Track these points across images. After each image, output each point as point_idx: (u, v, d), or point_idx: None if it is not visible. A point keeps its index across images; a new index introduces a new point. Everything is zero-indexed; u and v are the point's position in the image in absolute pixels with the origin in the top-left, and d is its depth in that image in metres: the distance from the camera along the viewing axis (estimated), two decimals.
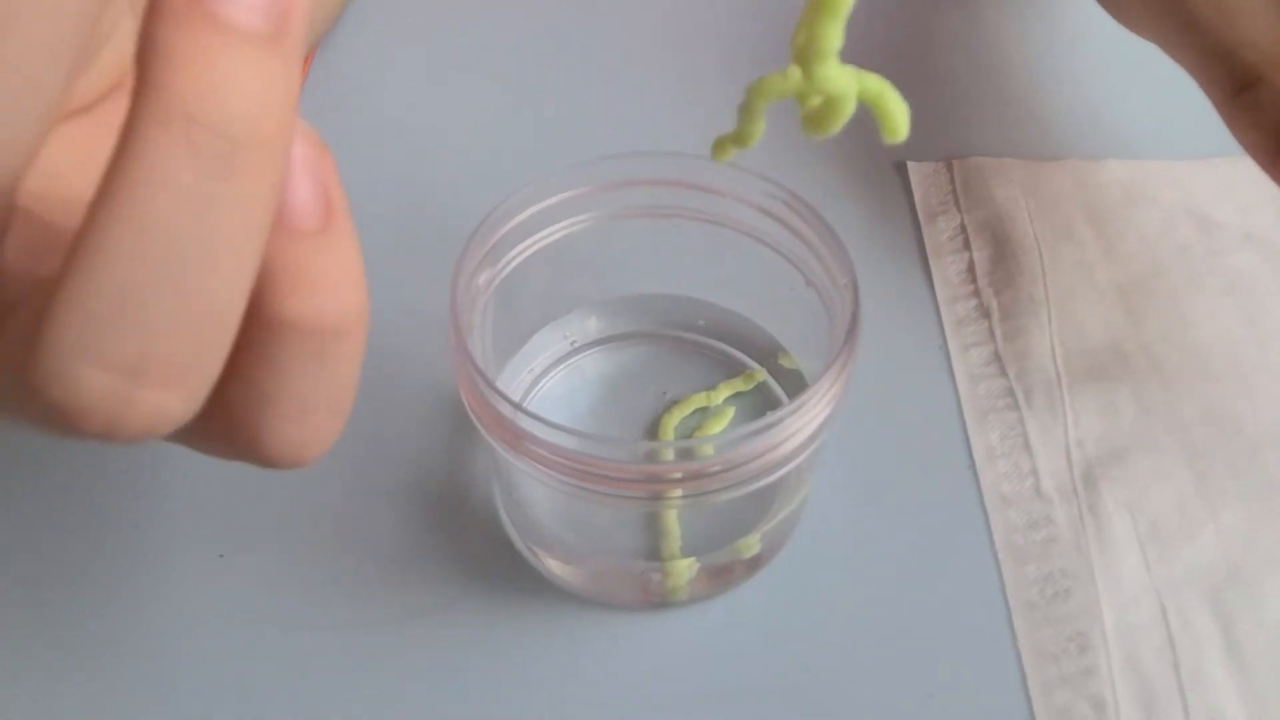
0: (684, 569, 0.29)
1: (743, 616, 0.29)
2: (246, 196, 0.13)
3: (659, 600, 0.29)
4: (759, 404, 0.32)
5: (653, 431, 0.31)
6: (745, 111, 0.23)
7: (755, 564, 0.30)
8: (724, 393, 0.32)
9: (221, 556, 0.30)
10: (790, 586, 0.30)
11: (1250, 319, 0.35)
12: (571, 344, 0.33)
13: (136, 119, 0.12)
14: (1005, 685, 0.27)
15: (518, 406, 0.24)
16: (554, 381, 0.32)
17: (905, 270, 0.38)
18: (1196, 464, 0.31)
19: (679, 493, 0.25)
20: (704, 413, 0.32)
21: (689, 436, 0.31)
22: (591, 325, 0.33)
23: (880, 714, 0.27)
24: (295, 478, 0.31)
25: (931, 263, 0.38)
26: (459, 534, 0.30)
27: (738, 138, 0.24)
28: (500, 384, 0.30)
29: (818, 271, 0.27)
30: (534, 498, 0.29)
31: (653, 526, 0.29)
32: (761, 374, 0.32)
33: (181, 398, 0.14)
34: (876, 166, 0.42)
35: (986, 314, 0.36)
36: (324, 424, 0.16)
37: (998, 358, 0.34)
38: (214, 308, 0.13)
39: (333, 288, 0.14)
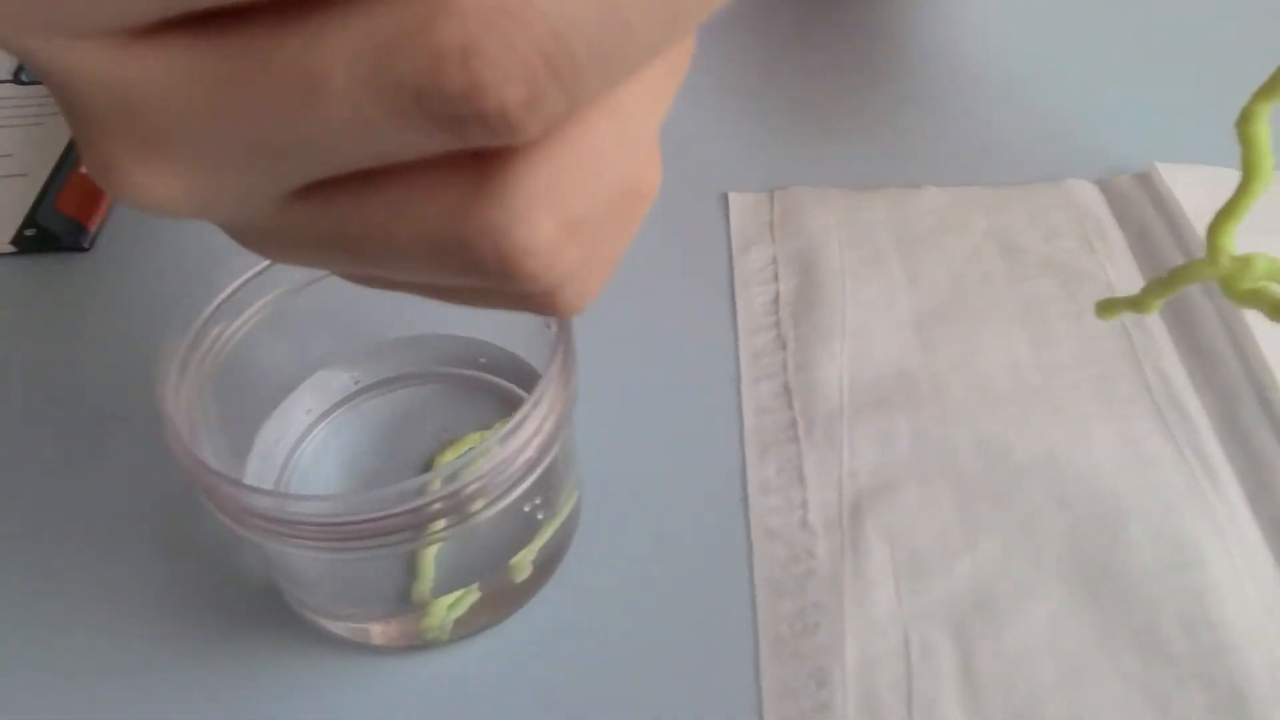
0: (442, 608, 0.29)
1: (500, 655, 0.29)
2: (667, 99, 0.15)
3: (422, 641, 0.30)
4: None
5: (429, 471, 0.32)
6: (1160, 287, 0.26)
7: (521, 595, 0.30)
8: (500, 430, 0.32)
9: None
10: (551, 622, 0.30)
11: (1037, 346, 0.35)
12: (355, 382, 0.33)
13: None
14: None
15: (272, 493, 0.25)
16: (333, 426, 0.33)
17: (713, 302, 0.38)
18: (962, 494, 0.31)
19: (442, 524, 0.25)
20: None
21: None
22: (374, 367, 0.33)
23: None
24: (38, 528, 0.32)
25: (738, 294, 0.38)
26: (216, 579, 0.31)
27: (1138, 305, 0.27)
28: (263, 443, 0.30)
29: None
30: (295, 565, 0.29)
31: (411, 568, 0.29)
32: None
33: (579, 259, 0.15)
34: (702, 196, 0.43)
35: (784, 345, 0.36)
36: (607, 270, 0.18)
37: (787, 390, 0.35)
38: (628, 180, 0.16)
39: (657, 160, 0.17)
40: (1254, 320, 0.35)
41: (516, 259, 0.14)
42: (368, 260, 0.15)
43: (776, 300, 0.38)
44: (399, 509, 0.24)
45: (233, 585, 0.31)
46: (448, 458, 0.32)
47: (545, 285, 0.15)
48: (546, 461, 0.26)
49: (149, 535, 0.32)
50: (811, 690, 0.28)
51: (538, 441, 0.26)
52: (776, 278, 0.38)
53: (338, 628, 0.29)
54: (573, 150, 0.14)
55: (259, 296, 0.29)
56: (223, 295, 0.28)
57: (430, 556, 0.29)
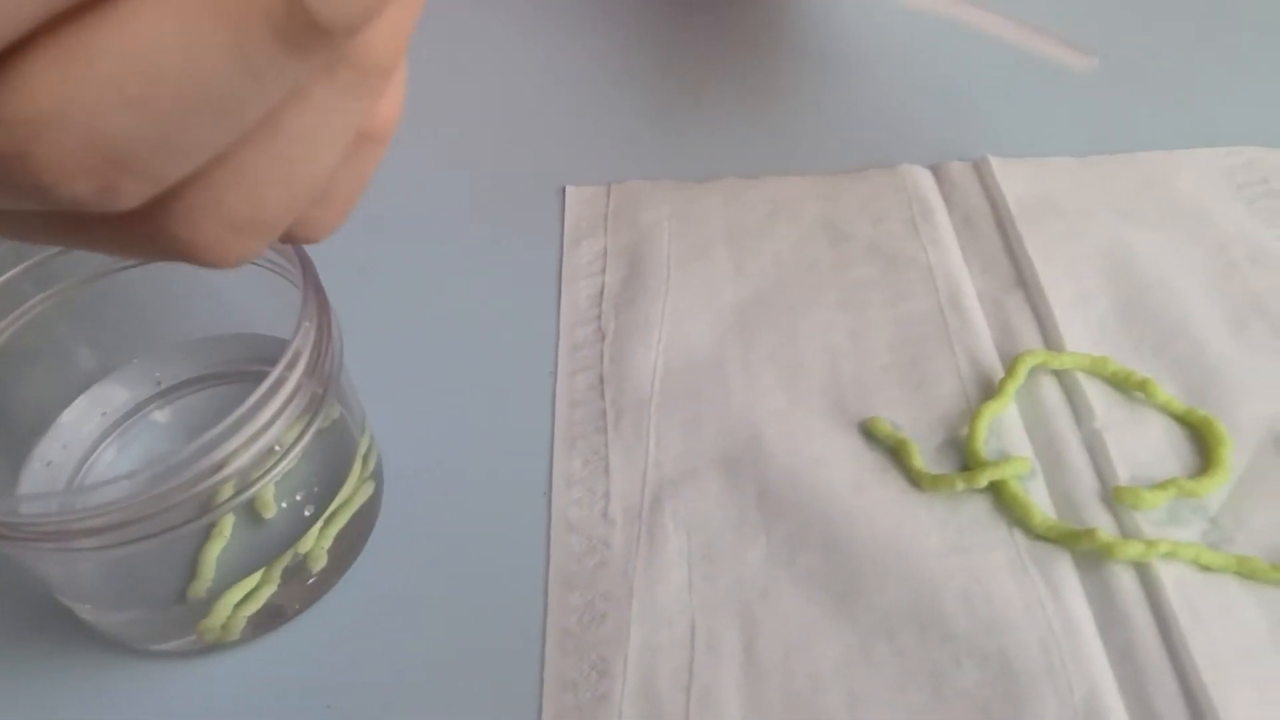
0: (228, 605, 0.28)
1: (285, 655, 0.29)
2: (359, 110, 0.16)
3: (208, 643, 0.29)
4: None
5: None
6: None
7: (318, 589, 0.29)
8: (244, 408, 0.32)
9: None
10: (346, 617, 0.29)
11: (854, 331, 0.35)
12: (158, 384, 0.32)
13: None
14: (521, 717, 0.27)
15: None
16: (134, 431, 0.32)
17: (539, 295, 0.38)
18: (762, 480, 0.31)
19: (201, 507, 0.25)
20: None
21: None
22: (176, 368, 0.32)
23: None
24: None
25: (564, 287, 0.38)
26: None
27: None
28: (41, 452, 0.30)
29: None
30: (73, 570, 0.29)
31: (190, 566, 0.29)
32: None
33: (266, 242, 0.16)
34: (543, 190, 0.42)
35: (602, 337, 0.36)
36: (342, 212, 0.18)
37: (601, 381, 0.34)
38: (310, 185, 0.16)
39: (394, 102, 0.18)
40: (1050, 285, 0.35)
41: (190, 250, 0.16)
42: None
43: (601, 293, 0.37)
44: (166, 488, 0.24)
45: (6, 589, 0.30)
46: None
47: (229, 263, 0.16)
48: (312, 432, 0.26)
49: None
50: (592, 681, 0.27)
51: (293, 411, 0.25)
52: (604, 270, 0.38)
53: (119, 635, 0.29)
54: (233, 174, 0.15)
55: (31, 294, 0.29)
56: None
57: (214, 550, 0.29)
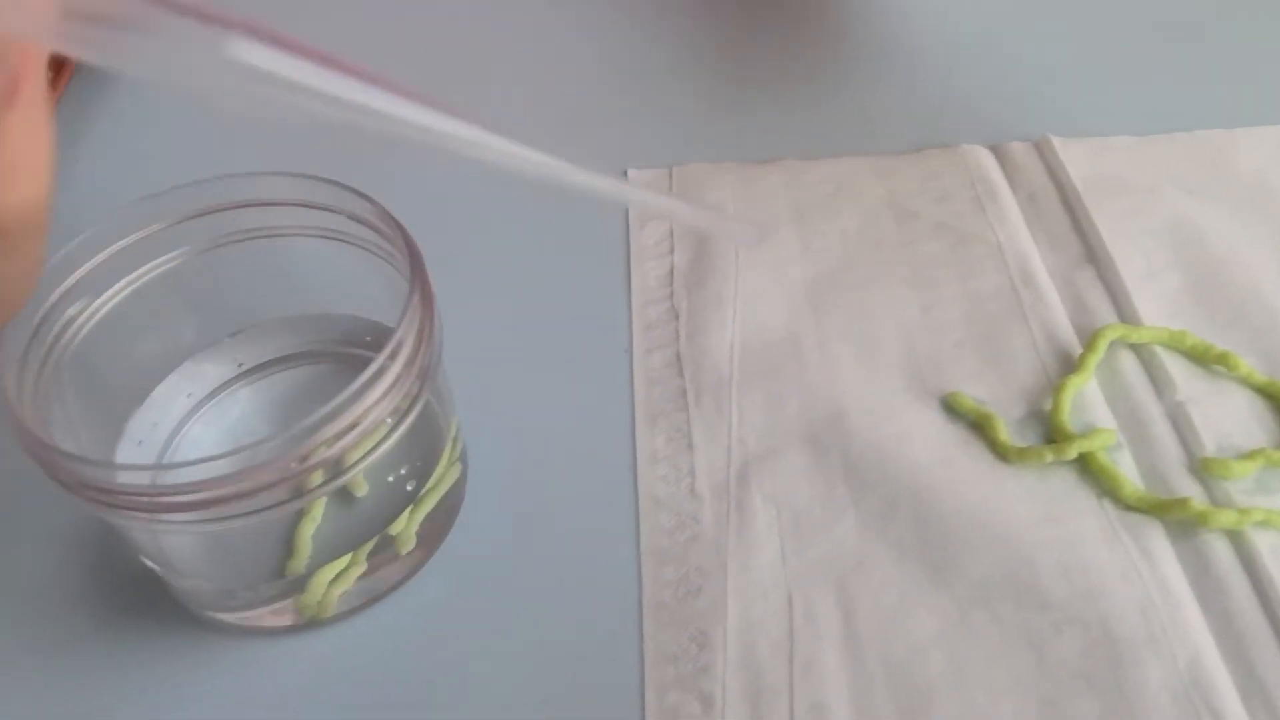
0: (322, 583, 0.28)
1: (381, 631, 0.29)
2: None
3: (303, 620, 0.29)
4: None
5: None
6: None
7: (406, 568, 0.29)
8: (353, 387, 0.32)
9: None
10: (438, 595, 0.29)
11: (927, 307, 0.35)
12: (239, 365, 0.32)
13: None
14: (624, 689, 0.27)
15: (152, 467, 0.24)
16: (217, 409, 0.32)
17: (609, 277, 0.38)
18: (847, 454, 0.31)
19: (306, 486, 0.25)
20: None
21: None
22: (256, 349, 0.32)
23: None
24: None
25: (634, 268, 0.38)
26: (93, 561, 0.30)
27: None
28: (136, 429, 0.30)
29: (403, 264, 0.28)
30: (169, 543, 0.29)
31: (287, 543, 0.29)
32: None
33: None
34: (603, 173, 0.42)
35: (676, 316, 0.36)
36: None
37: (678, 359, 0.35)
38: None
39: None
40: (1127, 274, 0.36)
41: None
42: None
43: (671, 273, 0.37)
44: (260, 470, 0.24)
45: (106, 572, 0.30)
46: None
47: None
48: (409, 422, 0.26)
49: (15, 527, 0.31)
50: (692, 654, 0.27)
51: (391, 402, 0.25)
52: (672, 251, 0.38)
53: (216, 611, 0.29)
54: None
55: (120, 275, 0.28)
56: (78, 274, 0.27)
57: (307, 530, 0.29)
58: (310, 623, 0.29)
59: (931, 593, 0.28)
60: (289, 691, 0.28)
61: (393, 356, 0.25)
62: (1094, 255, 0.37)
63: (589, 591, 0.29)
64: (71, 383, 0.27)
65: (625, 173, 0.42)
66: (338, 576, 0.29)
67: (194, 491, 0.23)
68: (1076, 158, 0.40)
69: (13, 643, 0.29)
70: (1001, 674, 0.26)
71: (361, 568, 0.29)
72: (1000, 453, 0.31)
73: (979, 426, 0.32)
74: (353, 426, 0.25)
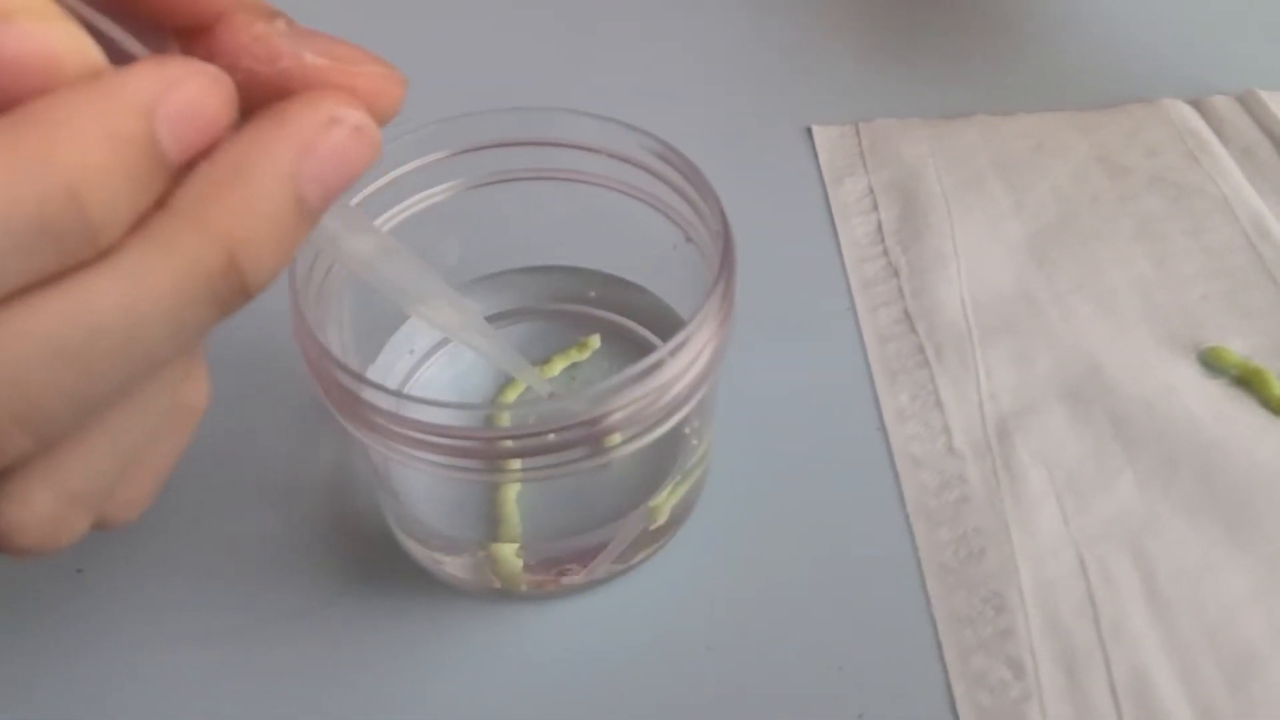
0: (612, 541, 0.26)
1: (641, 597, 0.27)
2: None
3: (549, 590, 0.27)
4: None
5: None
6: None
7: (659, 537, 0.28)
8: (558, 365, 0.30)
9: (80, 571, 0.28)
10: (693, 561, 0.28)
11: (1159, 261, 0.34)
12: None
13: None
14: (920, 654, 0.26)
15: (395, 393, 0.22)
16: (436, 367, 0.30)
17: (812, 234, 0.36)
18: (1112, 410, 0.30)
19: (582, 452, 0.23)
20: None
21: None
22: (479, 302, 0.31)
23: (787, 691, 0.25)
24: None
25: (838, 225, 0.36)
26: (337, 531, 0.28)
27: None
28: (374, 372, 0.28)
29: (696, 225, 0.26)
30: (412, 487, 0.27)
31: (527, 508, 0.27)
32: (595, 340, 0.30)
33: (91, 519, 0.16)
34: (783, 131, 0.41)
35: (895, 272, 0.34)
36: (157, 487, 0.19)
37: (907, 316, 0.33)
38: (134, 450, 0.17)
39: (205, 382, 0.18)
40: None
41: (9, 536, 0.16)
42: None
43: (880, 229, 0.36)
44: (531, 430, 0.22)
45: (356, 537, 0.28)
46: (508, 396, 0.29)
47: (51, 548, 0.16)
48: (696, 399, 0.24)
49: (262, 486, 0.29)
50: (990, 616, 0.26)
51: (690, 377, 0.23)
52: (876, 207, 0.37)
53: (455, 567, 0.27)
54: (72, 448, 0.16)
55: (399, 200, 0.26)
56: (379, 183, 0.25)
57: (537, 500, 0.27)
58: (555, 593, 0.27)
59: (1235, 552, 0.26)
60: (541, 658, 0.26)
61: (698, 328, 0.23)
62: None
63: (857, 554, 0.28)
64: (349, 301, 0.25)
65: (809, 129, 0.40)
66: None
67: (435, 432, 0.21)
68: None
69: (254, 612, 0.27)
70: None
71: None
72: (1276, 408, 0.29)
73: (1245, 381, 0.30)
74: (650, 395, 0.22)
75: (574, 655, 0.26)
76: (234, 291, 0.15)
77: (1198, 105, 0.40)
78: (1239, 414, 0.29)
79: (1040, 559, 0.27)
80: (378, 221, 0.26)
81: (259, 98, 0.15)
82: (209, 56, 0.15)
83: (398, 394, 0.21)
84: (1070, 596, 0.26)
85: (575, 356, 0.30)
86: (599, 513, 0.27)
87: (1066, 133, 0.39)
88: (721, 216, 0.24)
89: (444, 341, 0.30)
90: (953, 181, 0.37)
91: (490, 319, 0.30)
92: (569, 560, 0.27)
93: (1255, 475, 0.28)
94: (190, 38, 0.16)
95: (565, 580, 0.27)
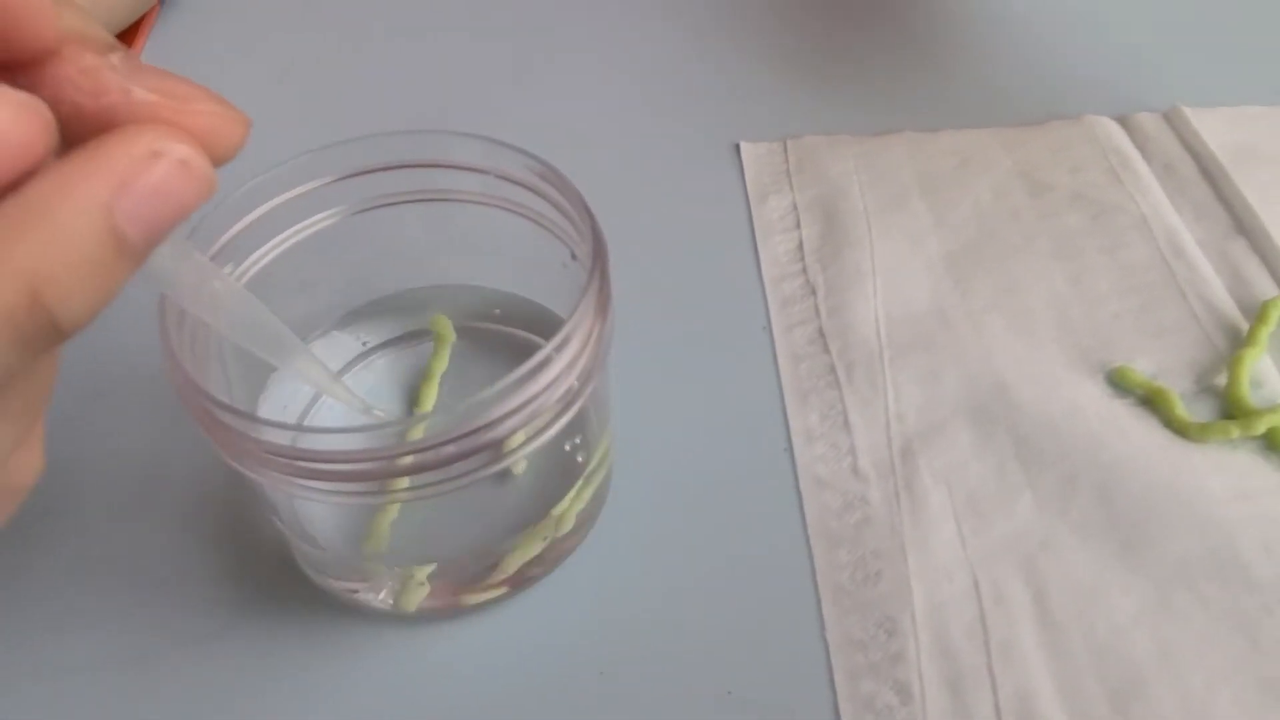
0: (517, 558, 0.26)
1: (539, 617, 0.27)
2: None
3: (452, 607, 0.27)
4: None
5: None
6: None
7: (558, 555, 0.28)
8: (534, 360, 0.30)
9: None
10: (592, 580, 0.28)
11: (1075, 278, 0.34)
12: (364, 345, 0.31)
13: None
14: (811, 678, 0.26)
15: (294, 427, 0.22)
16: (351, 381, 0.30)
17: (735, 251, 0.36)
18: (1016, 429, 0.30)
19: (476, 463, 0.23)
20: None
21: None
22: (383, 324, 0.31)
23: (674, 715, 0.25)
24: (42, 506, 0.29)
25: (760, 243, 0.36)
26: (234, 554, 0.28)
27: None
28: (266, 408, 0.28)
29: (579, 243, 0.26)
30: (305, 514, 0.27)
31: (441, 526, 0.27)
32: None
33: None
34: (713, 149, 0.41)
35: (813, 291, 0.34)
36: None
37: (821, 335, 0.33)
38: None
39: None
40: None
41: None
42: None
43: (800, 247, 0.36)
44: (423, 444, 0.22)
45: (253, 560, 0.28)
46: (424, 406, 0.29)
47: None
48: (586, 394, 0.24)
49: (166, 511, 0.29)
50: (881, 640, 0.26)
51: (576, 371, 0.23)
52: (798, 224, 0.37)
53: (354, 590, 0.27)
54: None
55: (274, 234, 0.26)
56: (235, 228, 0.25)
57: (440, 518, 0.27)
58: (457, 610, 0.27)
59: (1126, 573, 0.27)
60: (438, 680, 0.26)
61: (564, 344, 0.23)
62: (1244, 227, 0.35)
63: (756, 575, 0.28)
64: (229, 343, 0.25)
65: (738, 146, 0.40)
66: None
67: (330, 460, 0.21)
68: (1212, 128, 0.38)
69: (147, 636, 0.27)
70: (1215, 657, 0.25)
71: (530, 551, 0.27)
72: (1178, 429, 0.29)
73: (1150, 401, 0.30)
74: (518, 409, 0.23)
75: (470, 679, 0.26)
76: (41, 331, 0.14)
77: (1124, 122, 0.40)
78: (1141, 434, 0.30)
79: (934, 581, 0.27)
80: (261, 250, 0.26)
81: (85, 133, 0.15)
82: (34, 90, 0.15)
83: (295, 426, 0.21)
84: (962, 619, 0.26)
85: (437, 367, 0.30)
86: (498, 530, 0.27)
87: (992, 149, 0.39)
88: (593, 229, 0.24)
89: (346, 367, 0.30)
90: (875, 198, 0.37)
91: (401, 339, 0.31)
92: (466, 579, 0.27)
93: (1151, 496, 0.28)
94: (18, 71, 0.16)
95: (462, 599, 0.27)
